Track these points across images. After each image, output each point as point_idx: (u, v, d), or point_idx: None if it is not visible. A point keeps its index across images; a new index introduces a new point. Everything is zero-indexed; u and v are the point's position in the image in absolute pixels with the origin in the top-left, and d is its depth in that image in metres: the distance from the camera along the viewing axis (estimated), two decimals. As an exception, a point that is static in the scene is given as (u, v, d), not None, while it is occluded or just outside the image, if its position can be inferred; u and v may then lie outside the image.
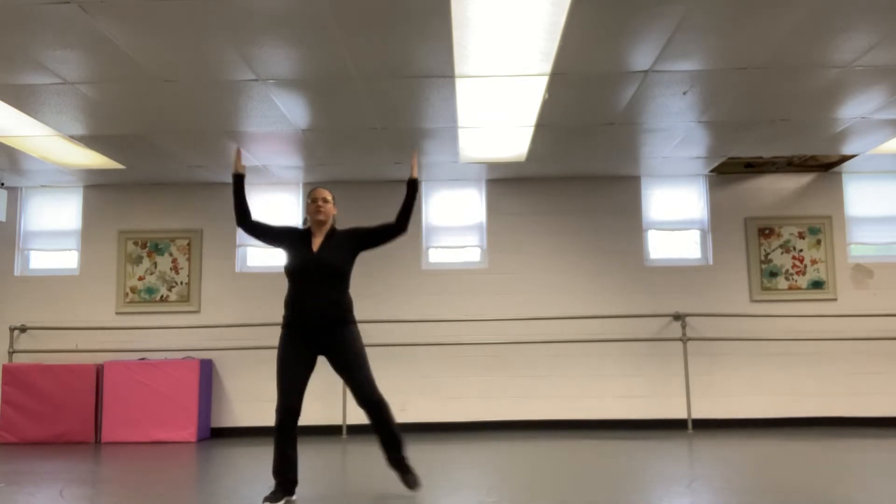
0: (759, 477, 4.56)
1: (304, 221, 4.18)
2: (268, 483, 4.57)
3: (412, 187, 4.12)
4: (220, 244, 7.54)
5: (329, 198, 4.11)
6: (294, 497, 3.97)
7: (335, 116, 5.51)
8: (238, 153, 4.32)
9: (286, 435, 3.88)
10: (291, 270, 4.00)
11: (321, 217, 4.06)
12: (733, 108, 5.46)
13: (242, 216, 4.13)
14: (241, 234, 7.56)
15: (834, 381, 7.21)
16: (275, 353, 7.45)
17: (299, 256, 4.00)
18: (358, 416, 7.13)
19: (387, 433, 4.03)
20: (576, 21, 3.96)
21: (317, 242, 4.04)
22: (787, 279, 7.39)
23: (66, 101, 5.09)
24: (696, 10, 3.87)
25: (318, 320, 3.92)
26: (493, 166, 7.03)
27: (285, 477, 3.91)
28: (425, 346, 7.26)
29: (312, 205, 4.08)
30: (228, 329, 7.37)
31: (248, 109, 5.33)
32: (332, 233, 4.09)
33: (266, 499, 3.82)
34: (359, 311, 7.16)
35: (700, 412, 7.16)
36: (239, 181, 4.19)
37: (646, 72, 4.73)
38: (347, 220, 7.80)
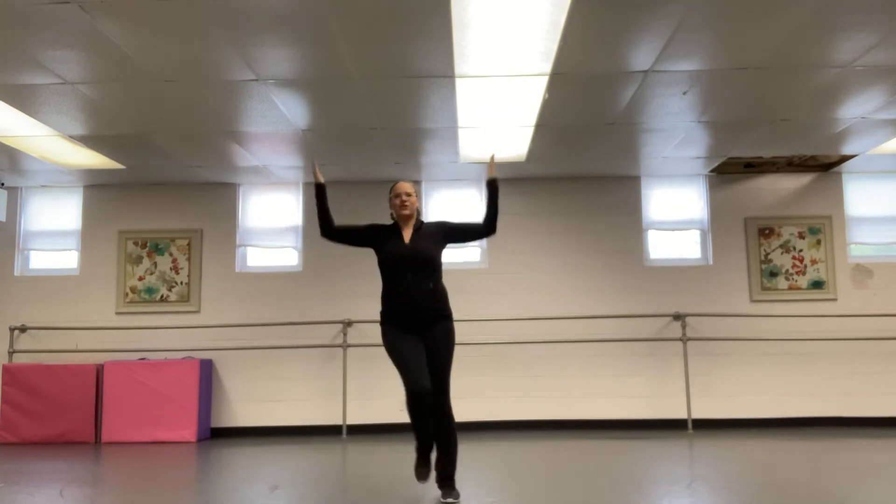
0: (759, 477, 4.56)
1: (391, 217, 4.14)
2: (267, 482, 4.58)
3: (492, 188, 4.10)
4: (220, 244, 7.54)
5: (412, 191, 4.07)
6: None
7: (335, 116, 5.51)
8: (315, 165, 4.26)
9: (423, 414, 3.83)
10: (387, 264, 3.98)
11: (407, 212, 4.04)
12: (733, 108, 5.46)
13: (327, 226, 4.07)
14: (241, 235, 7.56)
15: (834, 381, 7.21)
16: (275, 352, 7.49)
17: (393, 249, 3.98)
18: (358, 416, 7.14)
19: (443, 446, 3.95)
20: (576, 21, 3.96)
21: (407, 234, 4.04)
22: (787, 279, 7.39)
23: (66, 101, 5.09)
24: (696, 10, 3.87)
25: (418, 311, 3.92)
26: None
27: (427, 450, 3.95)
28: (425, 346, 7.24)
29: (397, 199, 4.04)
30: (228, 329, 7.36)
31: (248, 109, 5.33)
32: (420, 225, 4.08)
33: (418, 475, 3.94)
34: (359, 311, 7.26)
35: (700, 412, 7.16)
36: (321, 192, 4.08)
37: (646, 72, 4.73)
38: (347, 220, 7.79)
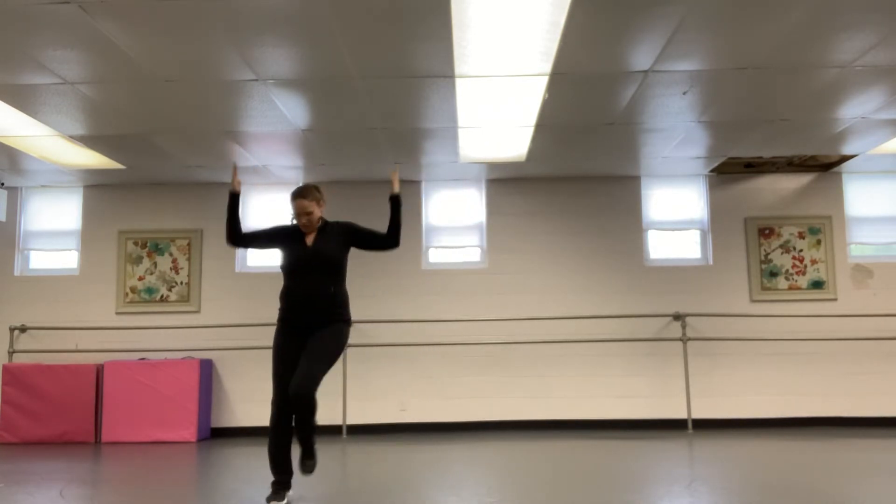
0: (759, 477, 4.56)
1: (292, 218, 4.09)
2: (267, 482, 4.57)
3: (394, 203, 4.10)
4: (220, 244, 7.52)
5: (312, 208, 3.96)
6: (290, 490, 3.97)
7: (335, 116, 5.51)
8: (235, 169, 4.21)
9: (284, 429, 3.86)
10: (287, 266, 3.96)
11: (307, 230, 4.01)
12: (733, 108, 5.45)
13: (234, 235, 4.06)
14: (241, 234, 7.56)
15: (834, 381, 7.21)
16: (274, 353, 7.45)
17: (294, 252, 3.95)
18: (358, 416, 7.14)
19: (303, 433, 3.86)
20: (576, 21, 3.96)
21: (310, 237, 4.00)
22: (787, 279, 7.39)
23: (66, 101, 5.09)
24: (696, 10, 3.87)
25: (314, 314, 3.87)
26: (493, 166, 7.03)
27: (285, 472, 3.91)
28: (425, 346, 7.26)
29: (298, 219, 4.00)
30: (228, 329, 7.36)
31: (248, 109, 5.33)
32: (324, 226, 4.04)
33: (269, 499, 3.83)
34: (359, 311, 7.17)
35: (700, 412, 7.16)
36: (235, 199, 4.07)
37: (646, 72, 4.73)
38: (347, 220, 7.77)
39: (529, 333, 7.28)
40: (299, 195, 3.99)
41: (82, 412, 6.94)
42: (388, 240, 4.05)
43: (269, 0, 3.70)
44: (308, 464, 3.93)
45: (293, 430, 3.88)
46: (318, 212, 4.01)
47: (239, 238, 4.08)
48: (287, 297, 3.95)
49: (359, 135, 5.97)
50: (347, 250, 4.02)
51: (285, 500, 3.86)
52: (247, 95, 5.04)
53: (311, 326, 3.88)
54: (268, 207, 7.59)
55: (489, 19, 3.93)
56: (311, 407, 3.78)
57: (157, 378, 6.90)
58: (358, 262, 7.32)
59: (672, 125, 5.84)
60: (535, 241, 7.48)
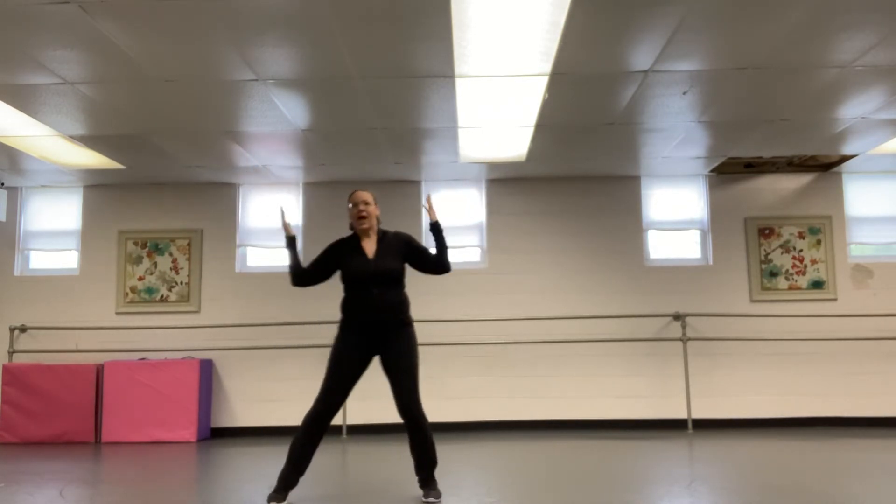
0: (759, 477, 4.56)
1: (350, 227, 4.09)
2: (267, 482, 4.56)
3: (436, 231, 4.08)
4: (220, 244, 7.54)
5: (371, 200, 4.00)
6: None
7: (335, 116, 5.51)
8: (283, 214, 4.20)
9: (316, 432, 3.86)
10: (350, 280, 3.94)
11: (365, 225, 3.98)
12: (733, 108, 5.46)
13: (298, 278, 4.06)
14: (241, 235, 7.57)
15: (834, 381, 7.21)
16: (275, 352, 7.49)
17: (356, 266, 3.92)
18: (358, 416, 7.14)
19: (419, 450, 3.90)
20: (576, 21, 3.96)
21: (369, 248, 3.98)
22: (787, 279, 7.39)
23: (66, 101, 5.09)
24: (696, 10, 3.87)
25: (379, 324, 3.89)
26: (493, 166, 7.03)
27: (299, 472, 3.89)
28: (425, 346, 7.18)
29: (354, 209, 3.99)
30: (228, 329, 7.36)
31: (248, 109, 5.33)
32: (383, 235, 4.02)
33: (271, 497, 3.82)
34: (359, 311, 7.24)
35: (700, 412, 7.16)
36: (292, 243, 4.07)
37: (646, 72, 4.73)
38: (347, 220, 7.78)
39: (529, 333, 7.28)
40: (357, 190, 4.06)
41: (82, 412, 6.94)
42: (437, 266, 4.06)
43: (269, 0, 3.70)
44: (428, 493, 3.89)
45: (320, 440, 3.91)
46: (374, 208, 4.02)
47: (303, 278, 4.06)
48: (350, 308, 3.95)
49: (359, 135, 5.97)
50: (405, 261, 4.02)
51: (286, 502, 3.84)
52: (247, 95, 5.04)
53: (376, 336, 3.90)
54: (268, 207, 7.59)
55: (489, 19, 3.94)
56: (422, 423, 3.86)
57: (157, 378, 6.90)
58: (358, 262, 7.35)
59: (672, 125, 5.84)
60: (535, 241, 7.49)
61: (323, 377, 3.90)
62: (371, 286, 3.88)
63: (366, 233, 4.02)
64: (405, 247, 4.03)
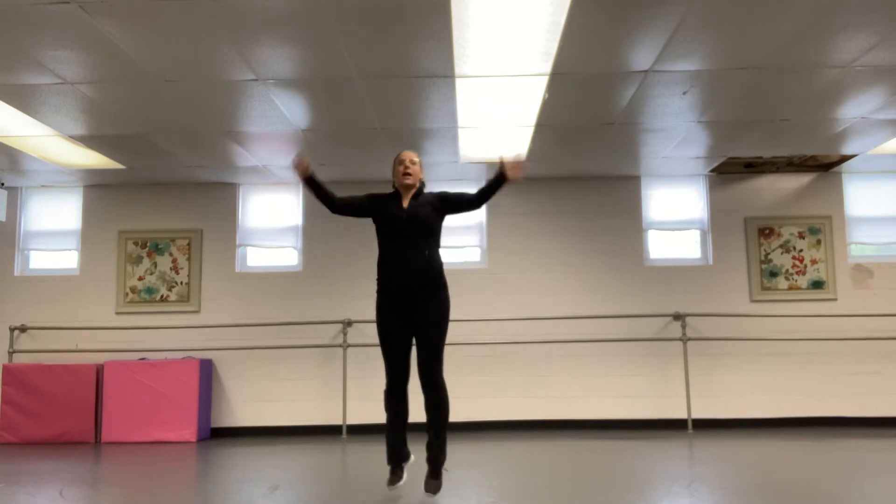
0: (759, 477, 4.56)
1: (392, 186, 4.12)
2: (267, 482, 4.57)
3: (500, 181, 3.94)
4: (220, 244, 7.54)
5: (417, 160, 4.05)
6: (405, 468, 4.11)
7: (335, 116, 5.51)
8: (297, 160, 4.01)
9: (397, 402, 4.00)
10: (384, 229, 3.96)
11: (409, 181, 4.01)
12: (733, 108, 5.46)
13: (331, 203, 4.04)
14: (241, 235, 7.56)
15: (834, 381, 7.21)
16: (275, 352, 7.48)
17: (390, 215, 3.95)
18: (358, 416, 7.14)
19: (435, 419, 3.94)
20: (576, 21, 3.96)
21: (406, 200, 4.02)
22: (787, 279, 7.39)
23: (66, 101, 5.09)
24: (696, 10, 3.87)
25: (414, 281, 3.88)
26: (493, 166, 7.03)
27: (401, 455, 4.04)
28: (425, 346, 7.24)
29: (400, 166, 4.02)
30: (228, 329, 7.36)
31: (248, 109, 5.33)
32: (419, 193, 4.07)
33: (389, 482, 4.00)
34: (359, 311, 7.25)
35: (700, 412, 7.16)
36: (311, 181, 4.00)
37: (646, 72, 4.73)
38: (347, 220, 7.75)
39: (529, 333, 7.28)
40: (405, 150, 4.11)
41: (82, 412, 6.94)
42: (476, 201, 4.06)
43: (269, 0, 3.70)
44: (433, 484, 3.94)
45: (407, 409, 4.05)
46: (419, 170, 4.06)
47: (337, 206, 4.05)
48: (384, 263, 3.95)
49: (359, 135, 5.97)
50: (441, 218, 4.05)
51: (403, 479, 4.02)
52: (247, 95, 5.04)
53: (411, 293, 3.89)
54: (268, 207, 7.59)
55: (489, 19, 3.94)
56: (442, 391, 3.92)
57: (157, 378, 6.90)
58: (358, 262, 7.35)
59: (672, 125, 5.84)
60: (535, 241, 7.48)
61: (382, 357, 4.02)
62: (404, 237, 3.90)
63: (406, 190, 4.04)
64: (439, 201, 4.05)
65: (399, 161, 4.06)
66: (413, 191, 4.05)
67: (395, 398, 4.00)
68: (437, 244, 4.01)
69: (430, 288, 3.91)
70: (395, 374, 3.96)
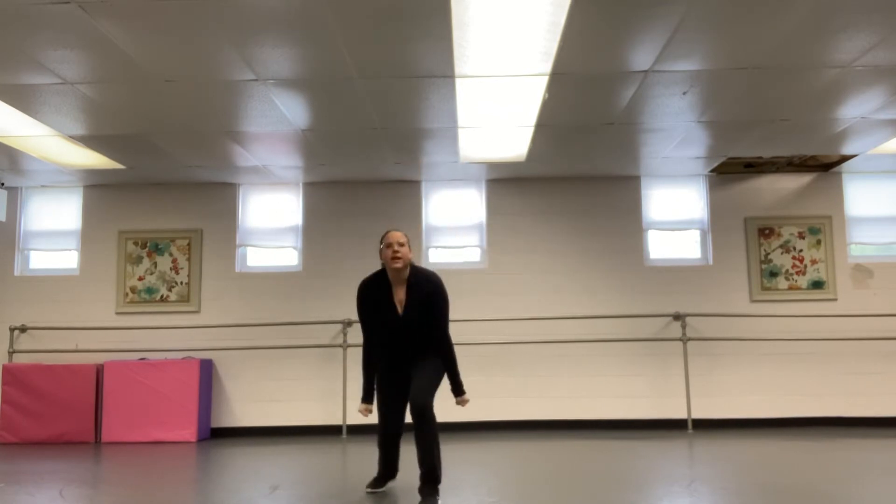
0: (759, 477, 4.56)
1: (381, 264, 4.12)
2: (267, 482, 4.58)
3: (453, 386, 4.08)
4: (220, 244, 7.54)
5: (405, 241, 4.00)
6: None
7: (335, 116, 5.51)
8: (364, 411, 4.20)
9: (391, 451, 4.22)
10: (380, 335, 4.09)
11: (398, 265, 3.95)
12: (733, 108, 5.46)
13: (376, 361, 4.20)
14: (241, 234, 7.57)
15: (834, 381, 7.21)
16: (275, 352, 7.50)
17: (385, 318, 4.03)
18: (358, 416, 7.14)
19: (422, 448, 3.86)
20: (576, 21, 3.96)
21: (399, 298, 4.02)
22: (787, 279, 7.39)
23: (66, 101, 5.09)
24: (696, 10, 3.87)
25: (409, 353, 4.12)
26: (493, 166, 7.03)
27: (389, 475, 4.29)
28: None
29: (388, 250, 3.97)
30: (228, 329, 7.37)
31: (248, 109, 5.33)
32: (412, 283, 4.02)
33: (369, 485, 4.25)
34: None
35: (700, 412, 7.16)
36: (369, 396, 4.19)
37: (646, 72, 4.73)
38: (347, 220, 7.75)
39: (529, 333, 7.29)
40: (391, 230, 4.11)
41: (82, 412, 6.94)
42: (436, 338, 4.05)
43: (269, 0, 3.70)
44: (430, 500, 3.86)
45: (398, 446, 4.25)
46: (408, 250, 4.02)
47: (376, 352, 4.16)
48: (380, 345, 4.11)
49: (359, 135, 5.97)
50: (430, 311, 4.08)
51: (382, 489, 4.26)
52: (247, 95, 5.04)
53: (406, 360, 4.15)
54: (268, 207, 7.59)
55: (489, 19, 3.94)
56: (427, 417, 3.86)
57: (157, 378, 6.90)
58: (358, 263, 7.36)
59: (672, 125, 5.84)
60: (535, 241, 7.49)
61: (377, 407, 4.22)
62: (397, 335, 4.07)
63: (397, 274, 4.02)
64: (429, 301, 4.02)
65: (387, 244, 3.99)
66: (404, 275, 4.03)
67: (388, 446, 4.22)
68: (429, 326, 4.05)
69: (425, 348, 4.12)
70: (388, 426, 4.17)
